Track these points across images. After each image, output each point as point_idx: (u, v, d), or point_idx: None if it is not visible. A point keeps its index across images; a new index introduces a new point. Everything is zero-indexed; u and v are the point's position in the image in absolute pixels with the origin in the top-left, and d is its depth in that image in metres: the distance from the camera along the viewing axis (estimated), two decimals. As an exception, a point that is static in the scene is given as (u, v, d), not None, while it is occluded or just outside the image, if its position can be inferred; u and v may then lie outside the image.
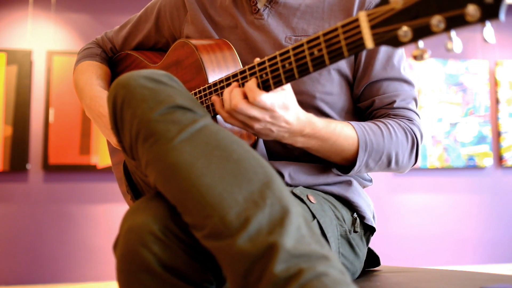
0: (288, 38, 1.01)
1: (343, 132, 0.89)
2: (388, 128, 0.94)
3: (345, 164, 0.95)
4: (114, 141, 1.08)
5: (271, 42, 1.02)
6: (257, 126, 0.81)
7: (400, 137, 0.95)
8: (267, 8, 1.04)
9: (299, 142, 0.87)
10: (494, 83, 4.22)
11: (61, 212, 3.52)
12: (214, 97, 0.87)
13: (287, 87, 0.82)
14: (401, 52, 1.03)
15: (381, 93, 1.00)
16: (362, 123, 0.94)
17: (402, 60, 1.03)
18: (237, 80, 0.85)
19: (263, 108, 0.79)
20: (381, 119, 0.97)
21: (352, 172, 0.94)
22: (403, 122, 0.97)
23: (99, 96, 1.12)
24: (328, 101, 1.00)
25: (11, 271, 3.41)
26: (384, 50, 1.00)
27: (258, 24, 1.04)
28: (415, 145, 0.98)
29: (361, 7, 1.00)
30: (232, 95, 0.81)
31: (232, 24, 1.07)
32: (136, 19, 1.26)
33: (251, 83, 0.80)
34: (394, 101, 0.99)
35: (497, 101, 4.20)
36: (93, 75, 1.19)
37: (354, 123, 0.93)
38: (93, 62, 1.25)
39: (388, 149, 0.93)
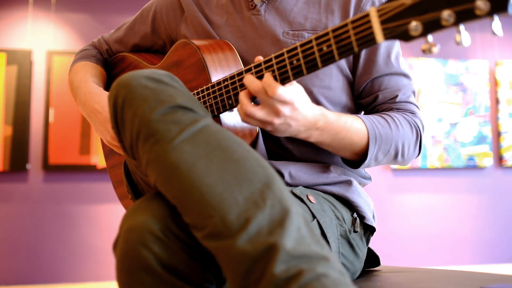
0: (286, 33, 1.01)
1: (353, 126, 0.90)
2: (394, 121, 0.96)
3: (355, 158, 0.96)
4: (107, 138, 1.08)
5: (269, 37, 1.02)
6: (277, 121, 0.82)
7: (406, 129, 0.97)
8: (264, 4, 1.04)
9: (314, 136, 0.88)
10: (494, 83, 4.22)
11: (61, 212, 3.53)
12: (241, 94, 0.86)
13: (295, 82, 0.83)
14: (398, 46, 1.05)
15: (383, 88, 1.02)
16: (370, 116, 0.95)
17: (400, 54, 1.05)
18: (242, 79, 0.86)
19: (284, 102, 0.80)
20: (386, 112, 0.99)
21: (362, 166, 0.95)
22: (406, 115, 0.99)
23: (94, 92, 1.11)
24: (327, 95, 1.00)
25: (11, 271, 3.41)
26: (384, 46, 1.02)
27: (255, 20, 1.04)
28: (419, 137, 1.00)
29: (358, 3, 1.01)
30: (249, 83, 0.82)
31: (229, 22, 1.08)
32: (132, 20, 1.26)
33: (269, 79, 0.80)
34: (397, 96, 1.01)
35: (497, 101, 4.20)
36: (88, 74, 1.19)
37: (362, 116, 0.94)
38: (88, 63, 1.25)
39: (396, 141, 0.95)
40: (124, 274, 0.68)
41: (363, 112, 1.09)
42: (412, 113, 1.01)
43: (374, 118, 0.95)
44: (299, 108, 0.82)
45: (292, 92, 0.81)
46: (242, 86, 0.86)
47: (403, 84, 1.03)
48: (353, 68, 1.03)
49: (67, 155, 3.53)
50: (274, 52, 0.99)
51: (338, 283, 0.57)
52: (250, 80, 0.82)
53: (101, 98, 1.09)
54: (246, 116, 0.83)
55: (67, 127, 3.55)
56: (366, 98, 1.03)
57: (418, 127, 0.99)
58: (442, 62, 4.10)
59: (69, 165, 3.53)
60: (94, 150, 3.56)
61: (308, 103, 0.84)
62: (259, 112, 0.82)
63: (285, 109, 0.81)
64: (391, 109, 1.01)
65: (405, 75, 1.04)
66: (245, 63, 1.02)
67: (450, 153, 4.05)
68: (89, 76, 1.18)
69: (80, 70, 1.21)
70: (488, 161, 4.10)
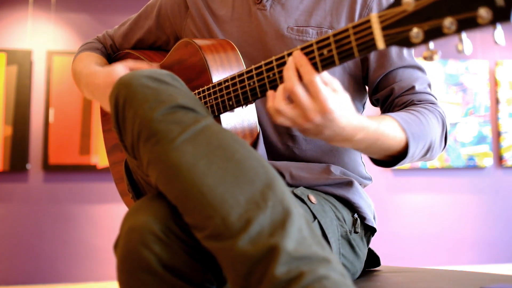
0: (290, 29, 1.01)
1: (391, 132, 0.83)
2: (423, 115, 0.92)
3: (386, 159, 0.90)
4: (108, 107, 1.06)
5: (273, 32, 1.02)
6: (307, 125, 0.74)
7: (434, 123, 0.93)
8: None
9: (346, 145, 0.81)
10: (494, 83, 4.22)
11: (61, 212, 3.53)
12: (270, 92, 0.78)
13: (339, 89, 0.75)
14: None
15: (398, 80, 1.00)
16: (400, 114, 0.90)
17: (412, 49, 1.04)
18: (243, 80, 0.85)
19: (320, 103, 0.71)
20: (412, 108, 0.95)
21: (398, 165, 0.89)
22: (430, 106, 0.97)
23: (95, 71, 1.11)
24: None
25: (11, 271, 3.41)
26: None
27: (260, 15, 1.04)
28: (444, 128, 0.97)
29: (364, 2, 1.01)
30: (287, 76, 0.73)
31: (234, 16, 1.08)
32: (137, 16, 1.27)
33: (305, 62, 0.72)
34: (414, 86, 0.99)
35: (497, 101, 4.20)
36: (91, 62, 1.19)
37: (394, 115, 0.88)
38: (92, 53, 1.26)
39: (430, 137, 0.91)
40: (125, 274, 0.68)
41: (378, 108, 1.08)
42: (433, 103, 0.99)
43: (405, 116, 0.90)
44: (337, 118, 0.73)
45: (335, 101, 0.72)
46: (243, 88, 0.85)
47: (418, 76, 1.01)
48: (363, 64, 1.03)
49: (67, 155, 3.53)
50: (278, 47, 0.99)
51: (339, 285, 0.57)
52: (290, 75, 0.74)
53: (101, 74, 1.08)
54: (276, 112, 0.75)
55: (67, 127, 3.55)
56: (381, 91, 1.02)
57: (444, 118, 0.97)
58: (442, 62, 4.10)
59: (69, 165, 3.53)
60: (94, 150, 3.56)
61: (350, 115, 0.75)
62: (289, 112, 0.74)
63: (317, 117, 0.72)
64: (412, 102, 0.98)
65: (419, 68, 1.03)
66: (250, 57, 1.01)
67: (450, 153, 4.05)
68: (93, 64, 1.18)
69: (84, 59, 1.22)
70: (488, 161, 4.10)
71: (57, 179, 3.55)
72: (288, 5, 1.03)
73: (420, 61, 1.05)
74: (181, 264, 0.67)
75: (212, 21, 1.09)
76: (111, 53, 1.32)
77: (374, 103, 1.07)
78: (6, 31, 3.63)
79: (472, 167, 4.09)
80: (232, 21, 1.07)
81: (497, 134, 4.18)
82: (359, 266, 0.99)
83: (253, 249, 0.59)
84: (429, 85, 1.03)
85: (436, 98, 1.01)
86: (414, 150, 0.88)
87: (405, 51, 1.02)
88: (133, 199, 1.02)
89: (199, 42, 1.01)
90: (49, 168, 3.50)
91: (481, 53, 4.18)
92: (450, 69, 4.12)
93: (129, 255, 0.67)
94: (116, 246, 0.71)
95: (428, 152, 0.93)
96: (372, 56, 1.01)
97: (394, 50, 1.00)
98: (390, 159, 0.90)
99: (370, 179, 1.11)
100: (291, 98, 0.74)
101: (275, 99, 0.75)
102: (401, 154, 0.87)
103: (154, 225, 0.66)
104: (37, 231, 3.49)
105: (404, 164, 0.91)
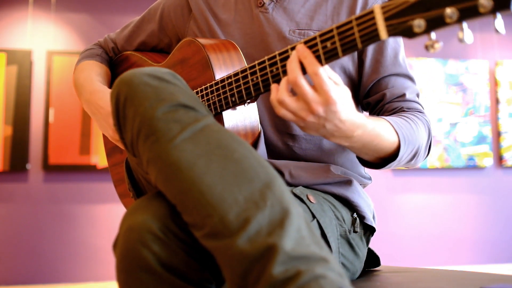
0: (292, 31, 1.02)
1: (386, 134, 0.85)
2: (414, 122, 0.95)
3: (376, 161, 0.92)
4: (110, 133, 1.08)
5: (275, 34, 1.03)
6: (310, 118, 0.75)
7: (422, 130, 0.96)
8: (272, 3, 1.05)
9: (345, 142, 0.82)
10: (494, 83, 4.22)
11: (61, 212, 3.53)
12: (274, 85, 0.78)
13: (341, 82, 0.76)
14: (403, 50, 1.06)
15: (390, 86, 1.02)
16: (394, 118, 0.92)
17: (405, 58, 1.07)
18: (246, 76, 0.85)
19: (325, 102, 0.73)
20: (402, 114, 0.97)
21: (386, 167, 0.91)
22: (418, 114, 0.99)
23: (98, 90, 1.12)
24: None
25: (11, 271, 3.41)
26: (391, 47, 1.03)
27: (263, 18, 1.05)
28: (430, 137, 0.99)
29: (364, 7, 1.03)
30: (290, 68, 0.75)
31: (236, 19, 1.09)
32: (139, 19, 1.27)
33: (309, 54, 0.74)
34: (405, 94, 1.01)
35: (497, 101, 4.20)
36: (92, 73, 1.19)
37: (389, 119, 0.90)
38: (93, 61, 1.25)
39: (418, 142, 0.93)
40: (124, 273, 0.68)
41: (367, 113, 1.09)
42: (421, 112, 1.01)
43: (398, 120, 0.91)
44: (339, 110, 0.74)
45: (338, 93, 0.73)
46: (246, 84, 0.86)
47: (409, 85, 1.04)
48: (359, 68, 1.04)
49: (67, 155, 3.53)
50: (280, 48, 1.00)
51: (336, 284, 0.57)
52: (293, 67, 0.75)
53: (104, 95, 1.09)
54: (279, 104, 0.76)
55: (67, 127, 3.55)
56: (373, 96, 1.04)
57: (430, 127, 0.99)
58: (442, 62, 4.10)
59: (69, 165, 3.53)
60: (94, 150, 3.56)
61: (351, 109, 0.77)
62: (292, 104, 0.75)
63: (320, 109, 0.73)
64: (401, 108, 1.00)
65: (411, 78, 1.05)
66: (252, 59, 1.02)
67: (450, 153, 4.05)
68: (94, 75, 1.18)
69: (84, 69, 1.22)
70: (488, 161, 4.10)
71: (57, 179, 3.55)
72: (290, 8, 1.04)
73: (414, 60, 1.06)
74: (180, 263, 0.67)
75: (215, 23, 1.10)
76: (113, 55, 1.32)
77: (364, 107, 1.09)
78: (6, 31, 3.63)
79: (472, 167, 4.09)
80: (234, 24, 1.08)
81: (497, 134, 4.18)
82: (359, 265, 0.99)
83: (251, 248, 0.59)
84: (418, 95, 1.05)
85: (423, 108, 1.04)
86: (403, 154, 0.89)
87: (401, 59, 1.04)
88: (134, 198, 1.02)
89: (202, 41, 1.02)
90: (49, 168, 3.50)
91: (481, 53, 4.18)
92: (450, 69, 4.12)
93: (128, 254, 0.67)
94: (115, 245, 0.71)
95: (413, 158, 0.95)
96: (368, 61, 1.02)
97: (389, 56, 1.02)
98: (379, 161, 0.92)
99: (369, 178, 1.11)
100: (294, 91, 0.76)
101: (279, 91, 0.76)
102: (390, 157, 0.89)
103: (153, 224, 0.66)
104: (37, 231, 3.49)
105: (390, 168, 0.93)
